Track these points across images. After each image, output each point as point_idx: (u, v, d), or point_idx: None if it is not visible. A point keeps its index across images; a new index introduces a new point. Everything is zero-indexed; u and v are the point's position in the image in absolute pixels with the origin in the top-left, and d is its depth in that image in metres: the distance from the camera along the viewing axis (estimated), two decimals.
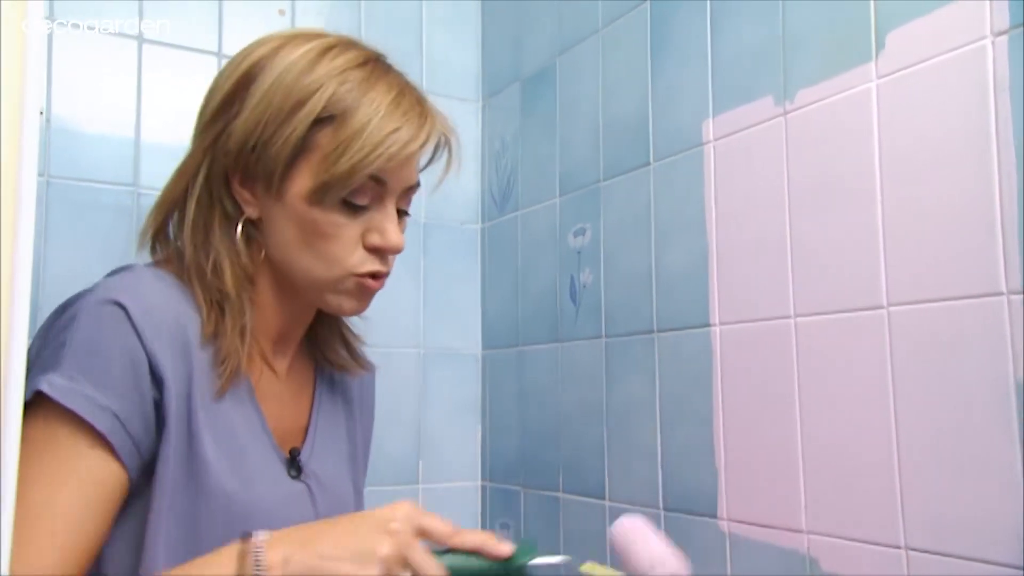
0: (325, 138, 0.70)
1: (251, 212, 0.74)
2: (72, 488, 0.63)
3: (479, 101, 1.41)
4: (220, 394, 0.71)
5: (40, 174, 1.04)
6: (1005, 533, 0.65)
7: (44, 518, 0.62)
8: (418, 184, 0.79)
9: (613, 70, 1.12)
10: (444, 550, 0.64)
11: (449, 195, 1.34)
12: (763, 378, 0.87)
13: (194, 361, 0.69)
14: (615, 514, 1.06)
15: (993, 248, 0.67)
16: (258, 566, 0.59)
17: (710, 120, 0.95)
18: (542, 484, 1.21)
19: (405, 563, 0.61)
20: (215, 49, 1.18)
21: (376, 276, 0.76)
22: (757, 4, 0.90)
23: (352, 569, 0.60)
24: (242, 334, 0.72)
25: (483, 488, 1.35)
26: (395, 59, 0.79)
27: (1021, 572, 0.64)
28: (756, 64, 0.90)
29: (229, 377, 0.71)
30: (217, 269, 0.72)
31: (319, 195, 0.71)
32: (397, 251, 0.76)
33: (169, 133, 1.13)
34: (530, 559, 0.65)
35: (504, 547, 0.64)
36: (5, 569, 0.37)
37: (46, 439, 0.63)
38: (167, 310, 0.69)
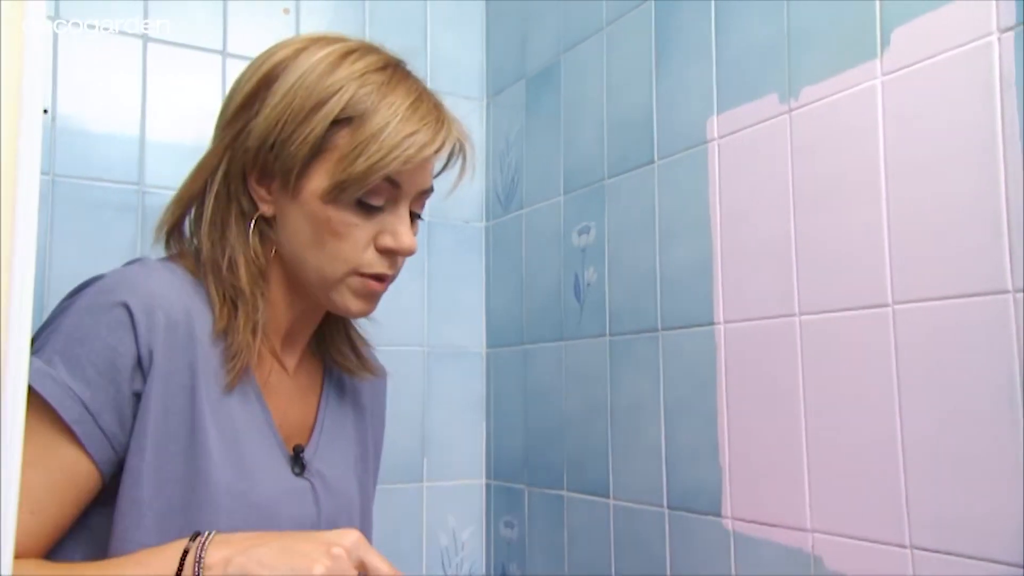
0: (343, 139, 0.71)
1: (266, 210, 0.75)
2: (42, 472, 0.64)
3: (483, 99, 1.41)
4: (229, 389, 0.71)
5: (45, 173, 1.05)
6: (1011, 532, 0.65)
7: None
8: (432, 189, 0.79)
9: (617, 68, 1.12)
10: None
11: (454, 194, 1.34)
12: (768, 376, 0.87)
13: (200, 354, 0.70)
14: (619, 512, 1.06)
15: (999, 246, 0.67)
16: (200, 563, 0.61)
17: (714, 118, 0.95)
18: (546, 482, 1.21)
19: None
20: (219, 48, 1.18)
21: (381, 278, 0.76)
22: (761, 1, 0.90)
23: None
24: (254, 331, 0.73)
25: (487, 486, 1.35)
26: (407, 61, 0.80)
27: None
28: (760, 61, 0.90)
29: (238, 373, 0.72)
30: (232, 265, 0.73)
31: (335, 194, 0.72)
32: (409, 253, 0.77)
33: (174, 132, 1.13)
34: None
35: None
36: (6, 569, 0.37)
37: (26, 421, 0.64)
38: (174, 303, 0.69)
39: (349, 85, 0.72)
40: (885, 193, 0.76)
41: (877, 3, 0.78)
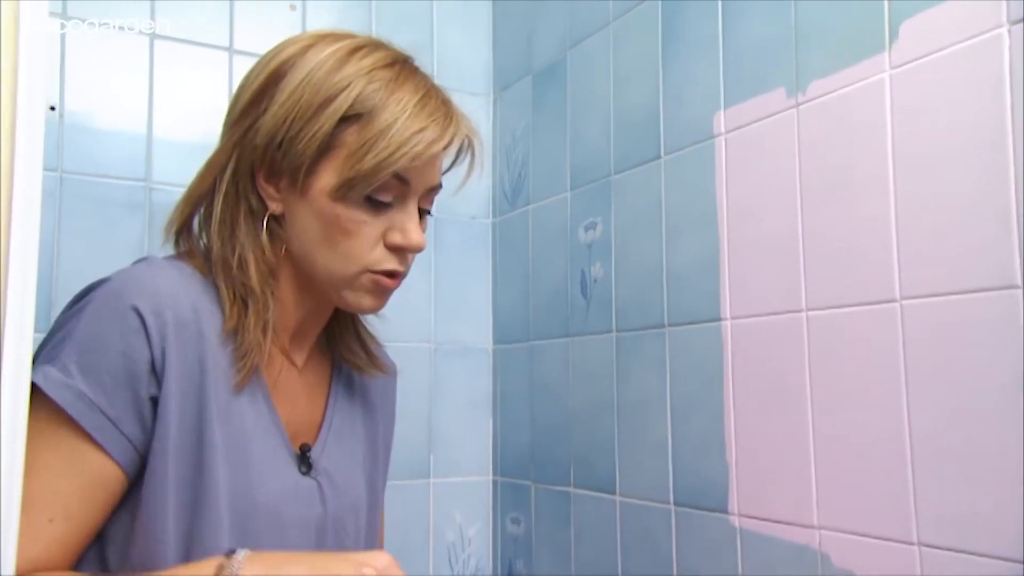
0: (351, 136, 0.71)
1: (275, 208, 0.75)
2: (70, 479, 0.64)
3: (490, 95, 1.41)
4: (239, 388, 0.71)
5: (53, 169, 1.05)
6: (1020, 529, 0.64)
7: (42, 506, 0.63)
8: (441, 185, 0.79)
9: (624, 63, 1.11)
10: None
11: (461, 190, 1.34)
12: (775, 372, 0.86)
13: (209, 354, 0.70)
14: (626, 509, 1.06)
15: (1008, 240, 0.66)
16: None
17: (721, 113, 0.95)
18: (553, 479, 1.21)
19: None
20: (226, 44, 1.18)
21: (393, 275, 0.76)
22: None
23: None
24: (264, 329, 0.73)
25: (494, 483, 1.35)
26: (414, 57, 0.79)
27: None
28: (768, 55, 0.89)
29: (248, 372, 0.72)
30: (242, 264, 0.73)
31: (343, 191, 0.71)
32: (418, 250, 0.76)
33: (181, 128, 1.13)
34: None
35: None
36: (8, 569, 0.37)
37: (44, 429, 0.64)
38: (182, 302, 0.69)
39: (357, 82, 0.71)
40: (893, 188, 0.76)
41: None
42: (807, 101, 0.84)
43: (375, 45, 0.76)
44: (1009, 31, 0.67)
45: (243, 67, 0.80)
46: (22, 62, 0.40)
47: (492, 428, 1.36)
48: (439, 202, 1.35)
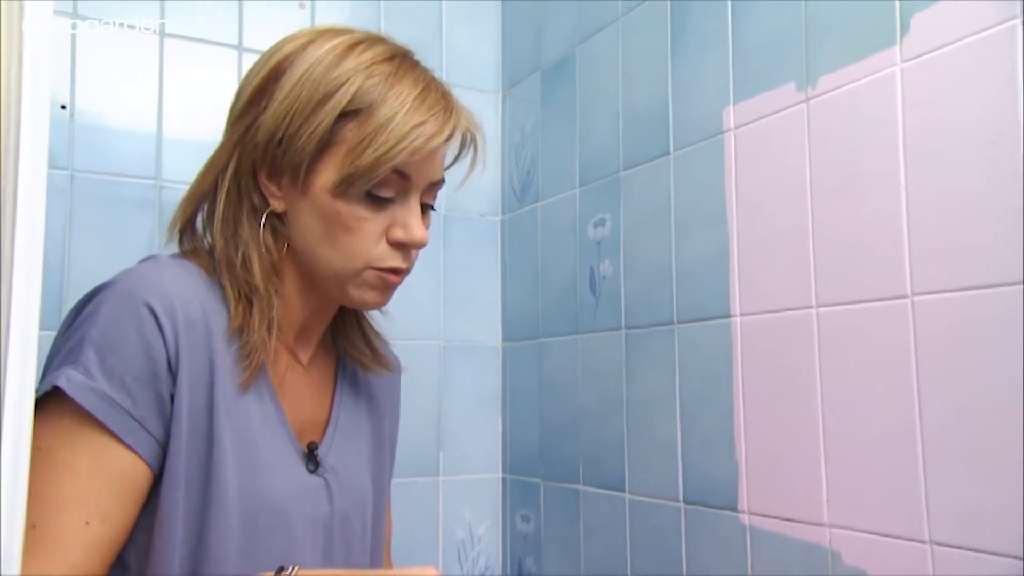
0: (350, 131, 0.71)
1: (277, 205, 0.75)
2: (103, 481, 0.64)
3: (499, 92, 1.41)
4: (244, 387, 0.71)
5: (64, 168, 1.06)
6: None
7: (76, 509, 0.63)
8: (443, 180, 0.79)
9: (633, 59, 1.11)
10: None
11: (469, 187, 1.31)
12: (785, 369, 0.85)
13: (217, 352, 0.70)
14: (635, 507, 1.06)
15: (1021, 235, 0.65)
16: None
17: (731, 108, 0.94)
18: (562, 476, 1.20)
19: None
20: (235, 43, 1.19)
21: (396, 271, 0.76)
22: None
23: None
24: (269, 327, 0.73)
25: (503, 480, 1.35)
26: (415, 51, 0.79)
27: None
28: (778, 50, 0.88)
29: (253, 371, 0.71)
30: (246, 262, 0.73)
31: (343, 188, 0.71)
32: (420, 246, 0.76)
33: (191, 126, 1.14)
34: None
35: None
36: (10, 570, 0.37)
37: (71, 432, 0.64)
38: (191, 300, 0.69)
39: (356, 77, 0.71)
40: (904, 183, 0.75)
41: None
42: (817, 96, 0.84)
43: (374, 40, 0.75)
44: (1023, 23, 0.66)
45: None
46: (27, 60, 0.40)
47: (501, 426, 1.36)
48: (448, 199, 1.36)
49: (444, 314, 1.33)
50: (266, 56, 0.76)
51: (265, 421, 0.74)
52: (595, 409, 1.14)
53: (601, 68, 1.17)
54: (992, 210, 0.68)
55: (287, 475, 0.74)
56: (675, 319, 1.01)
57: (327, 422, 0.82)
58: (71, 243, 1.05)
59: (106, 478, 0.64)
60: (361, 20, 1.28)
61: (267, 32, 1.21)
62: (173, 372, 0.67)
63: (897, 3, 0.76)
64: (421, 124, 0.71)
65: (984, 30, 0.69)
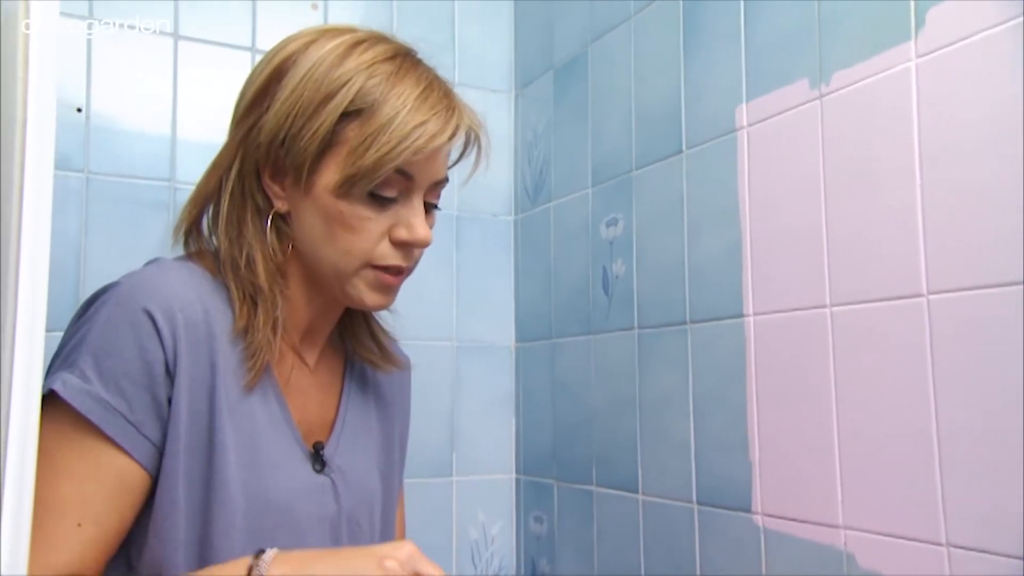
0: (352, 131, 0.71)
1: (280, 206, 0.75)
2: (96, 483, 0.65)
3: (511, 91, 1.41)
4: (249, 388, 0.72)
5: (79, 170, 1.07)
6: None
7: (70, 511, 0.64)
8: (446, 179, 0.78)
9: (645, 57, 1.10)
10: None
11: (481, 187, 1.34)
12: (798, 369, 0.85)
13: (220, 354, 0.70)
14: (648, 508, 1.05)
15: None
16: None
17: (743, 105, 0.93)
18: (575, 477, 1.20)
19: None
20: (249, 45, 1.19)
21: (397, 271, 0.76)
22: None
23: None
24: (274, 328, 0.73)
25: (516, 481, 1.34)
26: (427, 51, 0.79)
27: None
28: (791, 46, 0.87)
29: (258, 371, 0.72)
30: (250, 263, 0.73)
31: (346, 188, 0.71)
32: (424, 245, 0.76)
33: (204, 128, 1.14)
34: None
35: None
36: (15, 570, 0.37)
37: (67, 435, 0.65)
38: (193, 303, 0.69)
39: (357, 77, 0.71)
40: (919, 179, 0.74)
41: None
42: (831, 92, 0.83)
43: (377, 39, 0.75)
44: None
45: None
46: (33, 60, 0.40)
47: (514, 426, 1.35)
48: (460, 200, 1.36)
49: (457, 314, 1.33)
50: (269, 56, 0.76)
51: (270, 421, 0.74)
52: (608, 409, 1.14)
53: (613, 67, 1.16)
54: (1010, 206, 0.67)
55: (292, 475, 0.74)
56: (688, 319, 1.00)
57: (334, 422, 0.82)
58: (86, 245, 1.06)
59: (101, 481, 0.65)
60: (373, 20, 1.28)
61: (280, 34, 1.19)
62: (171, 375, 0.67)
63: None
64: (423, 123, 0.71)
65: (1001, 23, 0.68)
